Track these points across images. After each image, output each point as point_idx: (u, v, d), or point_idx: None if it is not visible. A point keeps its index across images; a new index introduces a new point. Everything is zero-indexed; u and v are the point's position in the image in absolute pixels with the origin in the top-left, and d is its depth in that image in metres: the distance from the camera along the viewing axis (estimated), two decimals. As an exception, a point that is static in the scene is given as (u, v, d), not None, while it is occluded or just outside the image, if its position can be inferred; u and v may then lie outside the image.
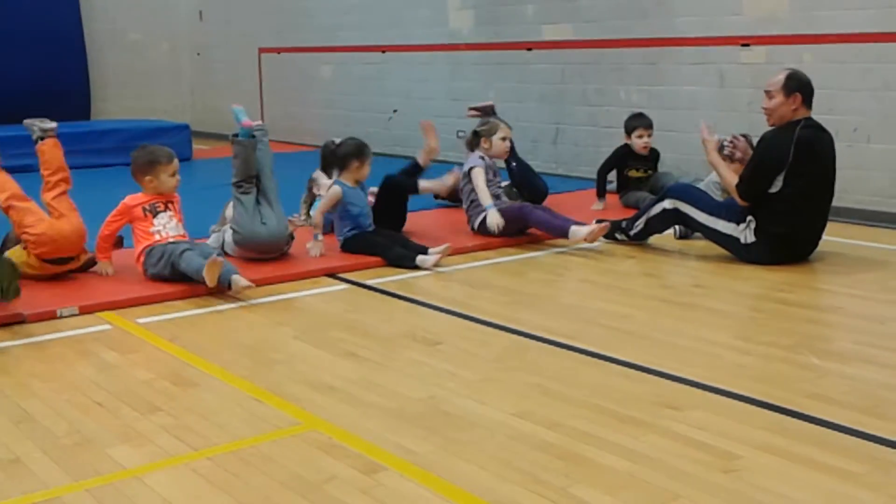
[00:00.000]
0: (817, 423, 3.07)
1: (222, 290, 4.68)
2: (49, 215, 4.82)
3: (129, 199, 4.98)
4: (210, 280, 4.56)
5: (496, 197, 6.05)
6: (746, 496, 2.58)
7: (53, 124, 5.08)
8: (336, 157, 5.71)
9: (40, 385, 3.55)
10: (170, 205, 5.02)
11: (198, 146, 11.03)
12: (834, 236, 5.69)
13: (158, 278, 4.82)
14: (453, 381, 3.54)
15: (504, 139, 6.22)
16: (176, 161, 5.06)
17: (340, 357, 3.84)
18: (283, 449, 2.94)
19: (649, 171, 7.03)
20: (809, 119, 5.21)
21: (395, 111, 10.43)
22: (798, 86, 5.19)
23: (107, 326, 4.29)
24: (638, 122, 7.00)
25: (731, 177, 5.33)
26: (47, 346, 4.02)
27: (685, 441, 2.94)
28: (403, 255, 5.32)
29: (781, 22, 6.93)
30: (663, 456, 2.84)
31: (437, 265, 5.26)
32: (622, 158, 6.99)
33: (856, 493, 2.60)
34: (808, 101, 5.20)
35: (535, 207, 5.99)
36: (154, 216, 4.93)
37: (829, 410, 3.17)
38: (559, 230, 5.72)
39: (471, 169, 6.02)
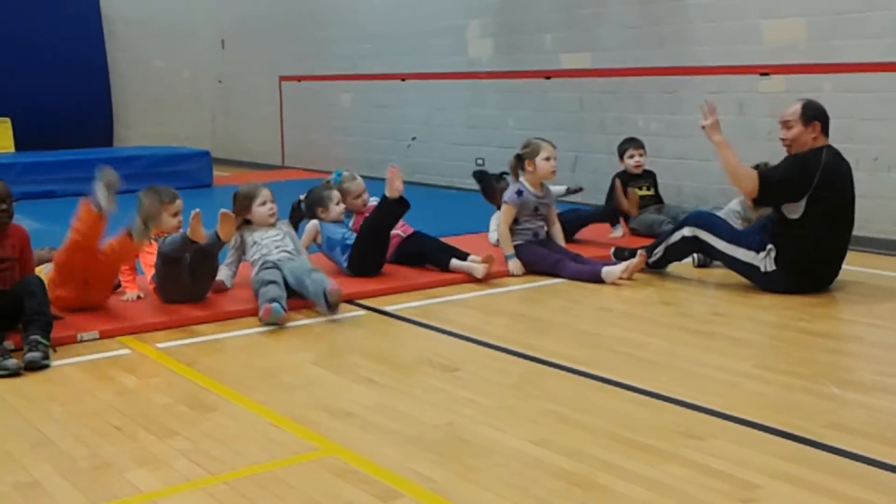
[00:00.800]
0: (836, 453, 3.04)
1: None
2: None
3: None
4: (196, 234, 4.54)
5: (534, 234, 5.89)
6: (765, 526, 2.57)
7: (110, 207, 4.58)
8: (304, 211, 5.78)
9: (59, 409, 3.57)
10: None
11: (218, 172, 11.12)
12: (854, 265, 5.66)
13: (166, 290, 4.87)
14: (471, 407, 3.53)
15: (548, 159, 5.88)
16: (179, 202, 5.11)
17: (358, 383, 3.84)
18: (300, 474, 2.94)
19: (651, 189, 7.10)
20: (831, 147, 5.21)
21: (413, 138, 10.49)
22: (815, 114, 5.19)
23: (126, 351, 4.31)
24: (628, 144, 7.16)
25: (735, 161, 5.26)
26: (66, 371, 4.04)
27: (703, 470, 2.92)
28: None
29: (800, 51, 6.94)
30: (681, 485, 2.82)
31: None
32: (622, 183, 6.99)
33: (876, 524, 2.58)
34: (825, 128, 5.21)
35: (568, 260, 5.75)
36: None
37: (848, 440, 3.14)
38: (592, 275, 5.56)
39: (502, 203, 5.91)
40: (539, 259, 5.79)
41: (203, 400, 3.66)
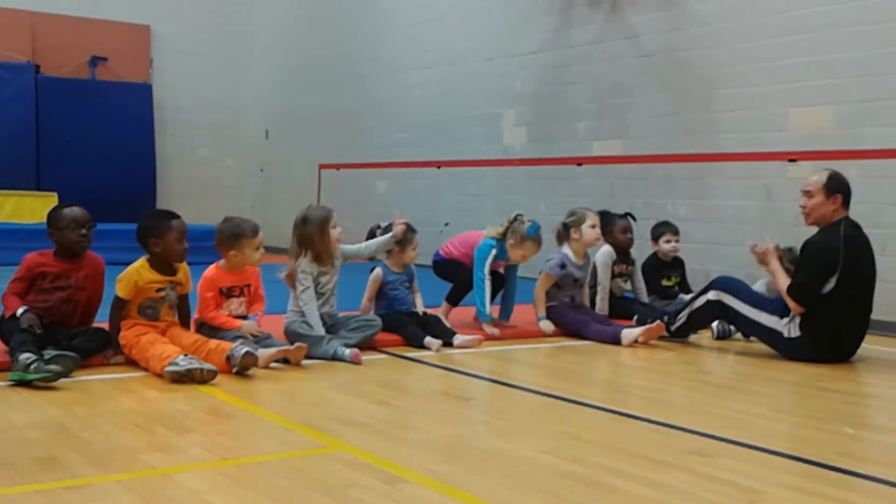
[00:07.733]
0: (845, 473, 3.03)
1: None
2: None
3: (210, 274, 4.91)
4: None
5: (571, 298, 6.05)
6: (768, 520, 2.56)
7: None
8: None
9: (81, 409, 3.65)
10: (246, 289, 4.99)
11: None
12: (880, 346, 5.65)
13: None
14: (483, 426, 3.58)
15: (594, 227, 6.05)
16: (261, 235, 5.00)
17: (373, 404, 3.89)
18: (308, 463, 2.98)
19: (678, 279, 7.04)
20: (849, 219, 5.26)
21: (446, 224, 10.65)
22: (839, 187, 5.26)
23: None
24: (665, 228, 7.04)
25: (787, 282, 5.29)
26: (92, 384, 4.13)
27: (710, 478, 2.92)
28: (415, 333, 5.28)
29: (827, 138, 7.07)
30: (687, 487, 2.82)
31: (439, 350, 5.16)
32: (653, 269, 6.97)
33: (880, 522, 2.57)
34: (847, 201, 5.27)
35: (594, 322, 5.87)
36: (227, 298, 4.93)
37: (858, 465, 3.13)
38: (613, 337, 5.64)
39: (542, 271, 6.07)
40: (569, 320, 5.92)
41: (221, 409, 3.73)
